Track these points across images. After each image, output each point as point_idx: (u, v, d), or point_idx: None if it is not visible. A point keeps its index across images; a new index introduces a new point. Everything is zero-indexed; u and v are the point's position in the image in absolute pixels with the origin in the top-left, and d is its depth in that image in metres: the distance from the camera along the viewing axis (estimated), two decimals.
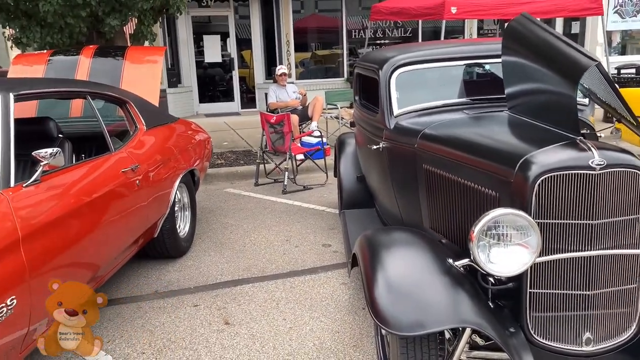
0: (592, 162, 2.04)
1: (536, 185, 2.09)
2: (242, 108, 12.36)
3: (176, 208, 4.22)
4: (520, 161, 2.16)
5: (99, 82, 3.90)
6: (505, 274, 2.08)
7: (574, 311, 2.16)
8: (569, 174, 2.07)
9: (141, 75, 4.65)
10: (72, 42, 6.27)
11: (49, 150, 2.48)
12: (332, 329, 3.11)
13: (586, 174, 2.05)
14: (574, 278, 2.14)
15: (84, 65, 4.70)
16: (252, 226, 5.05)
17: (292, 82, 9.16)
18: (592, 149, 2.08)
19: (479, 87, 3.50)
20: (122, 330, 3.20)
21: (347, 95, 8.70)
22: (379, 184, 3.80)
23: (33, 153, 2.47)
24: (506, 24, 2.85)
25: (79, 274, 2.74)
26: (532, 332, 2.19)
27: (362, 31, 12.51)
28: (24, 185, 2.42)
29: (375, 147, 3.39)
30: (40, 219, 2.39)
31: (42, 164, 2.46)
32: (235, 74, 12.20)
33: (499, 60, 3.23)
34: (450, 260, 2.18)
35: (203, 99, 12.19)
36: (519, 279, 2.14)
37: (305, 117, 7.90)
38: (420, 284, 2.09)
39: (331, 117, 8.29)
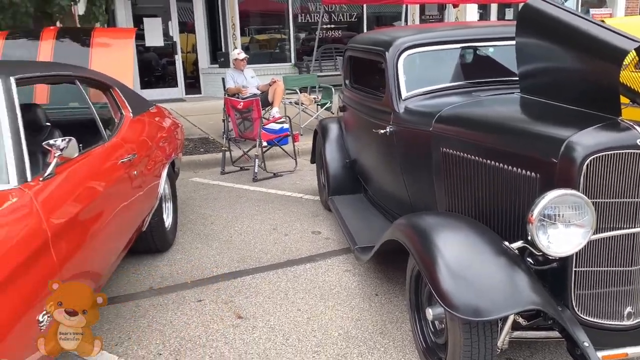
0: (639, 142, 2.10)
1: (584, 166, 2.12)
2: (186, 94, 11.93)
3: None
4: (566, 142, 2.18)
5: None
6: (561, 254, 2.11)
7: (616, 287, 2.23)
8: (616, 153, 2.11)
9: (112, 59, 4.33)
10: (16, 24, 5.74)
11: (61, 139, 2.24)
12: (352, 317, 3.05)
13: (633, 152, 2.11)
14: (619, 255, 2.20)
15: (46, 48, 4.31)
16: (232, 216, 4.88)
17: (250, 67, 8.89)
18: (637, 128, 2.14)
19: (483, 69, 3.52)
20: (127, 331, 2.99)
21: (306, 80, 8.58)
22: (380, 168, 3.76)
23: (44, 143, 2.23)
24: (520, 5, 2.87)
25: (92, 274, 2.52)
26: (576, 310, 2.24)
27: (308, 15, 12.37)
28: (40, 179, 2.17)
29: (382, 131, 3.34)
30: (64, 216, 2.16)
31: (56, 155, 2.22)
32: (179, 59, 11.72)
33: (504, 43, 3.28)
34: (506, 243, 2.18)
35: (144, 84, 11.61)
36: (564, 258, 2.18)
37: (265, 103, 7.72)
38: (484, 267, 2.09)
39: (290, 102, 8.15)
